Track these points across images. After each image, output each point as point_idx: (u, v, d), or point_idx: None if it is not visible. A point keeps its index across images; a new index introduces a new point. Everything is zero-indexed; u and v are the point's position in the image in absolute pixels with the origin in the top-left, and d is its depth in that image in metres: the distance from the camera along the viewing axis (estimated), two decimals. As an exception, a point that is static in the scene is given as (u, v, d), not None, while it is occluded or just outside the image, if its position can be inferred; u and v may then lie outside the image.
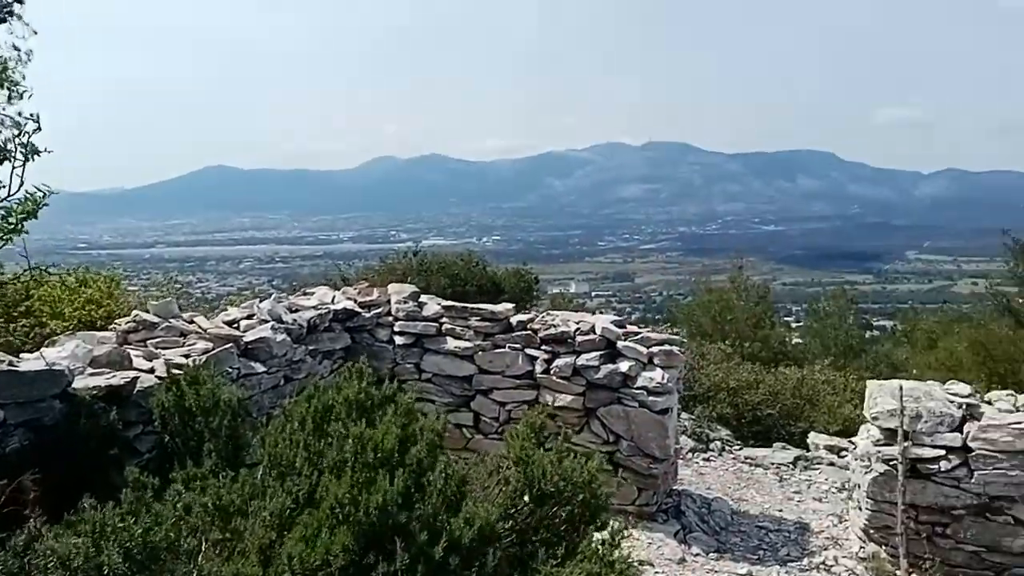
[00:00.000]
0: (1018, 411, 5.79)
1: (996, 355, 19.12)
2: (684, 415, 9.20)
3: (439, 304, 6.94)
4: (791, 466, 8.39)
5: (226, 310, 6.37)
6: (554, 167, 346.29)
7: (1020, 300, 23.60)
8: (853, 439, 8.24)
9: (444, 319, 6.88)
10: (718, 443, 8.75)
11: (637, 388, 6.26)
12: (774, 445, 9.09)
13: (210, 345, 5.24)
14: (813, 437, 9.11)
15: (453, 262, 19.26)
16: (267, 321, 5.89)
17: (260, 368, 5.47)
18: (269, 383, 5.60)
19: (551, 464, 3.57)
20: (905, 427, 5.74)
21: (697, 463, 8.35)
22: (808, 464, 8.47)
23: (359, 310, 6.93)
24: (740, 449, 8.78)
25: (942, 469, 5.63)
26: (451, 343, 6.77)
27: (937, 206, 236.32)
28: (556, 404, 6.46)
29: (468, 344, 6.71)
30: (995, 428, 5.57)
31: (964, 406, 5.87)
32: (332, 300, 7.03)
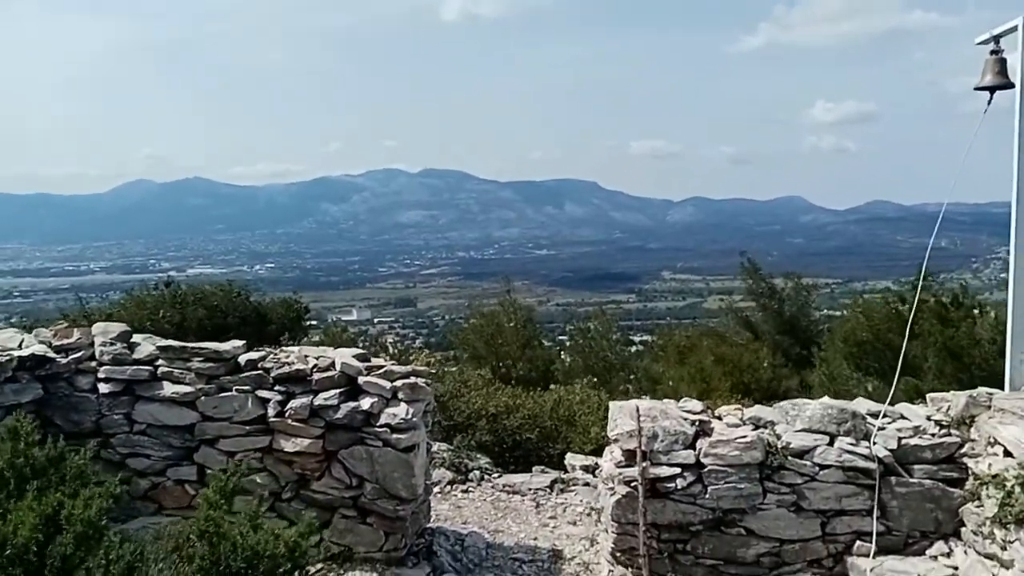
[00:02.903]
0: (744, 424, 6.10)
1: (740, 365, 21.12)
2: (443, 445, 8.94)
3: (154, 345, 6.08)
4: (548, 490, 8.38)
5: None
6: (329, 192, 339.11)
7: (758, 314, 26.40)
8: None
9: (160, 361, 6.03)
10: (477, 472, 8.55)
11: (380, 426, 5.83)
12: (533, 469, 9.07)
13: None
14: (570, 458, 9.20)
15: (212, 293, 17.66)
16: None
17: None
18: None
19: (241, 536, 3.02)
20: (643, 447, 5.82)
21: (455, 495, 8.09)
22: (564, 487, 8.52)
23: (53, 355, 5.89)
24: (499, 477, 8.65)
25: (679, 487, 5.75)
26: (168, 388, 5.94)
27: (686, 230, 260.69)
28: (292, 449, 5.86)
29: (189, 389, 5.92)
30: (723, 443, 5.79)
31: (697, 423, 6.08)
32: (20, 345, 5.92)
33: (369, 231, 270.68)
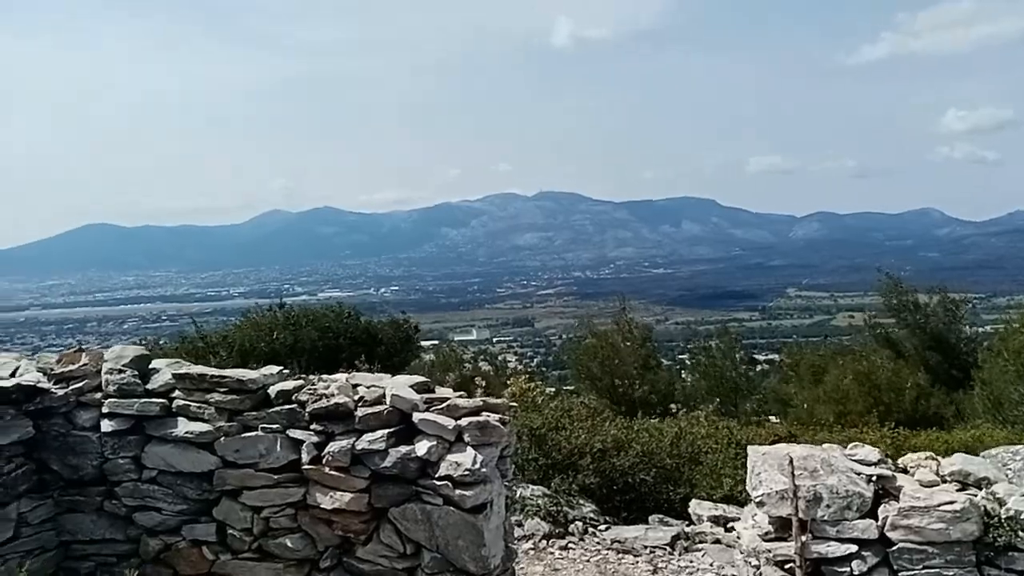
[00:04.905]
0: (946, 481, 4.32)
1: (880, 385, 18.59)
2: (539, 489, 7.44)
3: (172, 372, 4.94)
4: (669, 549, 6.73)
5: None
6: (449, 218, 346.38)
7: (899, 331, 23.48)
8: (736, 522, 6.69)
9: (177, 392, 4.88)
10: (579, 524, 7.00)
11: (440, 478, 4.44)
12: (650, 520, 7.44)
13: None
14: (695, 507, 7.51)
15: (324, 314, 17.10)
16: None
17: None
18: None
19: None
20: (802, 514, 4.15)
21: (552, 554, 6.57)
22: (689, 544, 6.85)
23: (47, 385, 4.83)
24: (607, 529, 7.06)
25: (855, 572, 4.06)
26: (183, 426, 4.77)
27: (811, 246, 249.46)
28: (331, 506, 4.55)
29: (206, 427, 4.73)
30: (919, 511, 4.06)
31: (875, 478, 4.36)
32: (14, 373, 4.91)
33: (487, 254, 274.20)
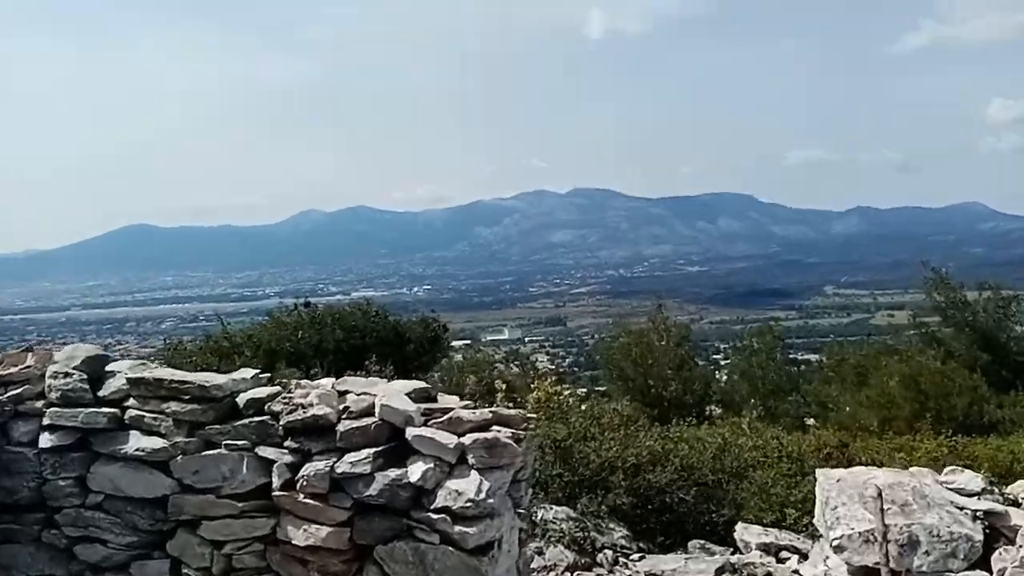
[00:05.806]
0: (1072, 521, 3.39)
1: (927, 390, 17.38)
2: (562, 511, 6.58)
3: (127, 377, 4.18)
4: (713, 583, 5.83)
5: None
6: (483, 216, 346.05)
7: (946, 330, 22.21)
8: (790, 551, 5.78)
9: (132, 401, 4.12)
10: (609, 552, 6.13)
11: (436, 511, 3.61)
12: (690, 546, 6.55)
13: None
14: (741, 532, 6.59)
15: (350, 313, 16.49)
16: None
17: None
18: None
19: None
20: (895, 564, 3.25)
21: (578, 588, 5.72)
22: (737, 576, 5.93)
23: (-24, 392, 4.11)
24: (641, 559, 6.18)
25: (964, 643, 3.15)
26: (135, 442, 4.01)
27: (851, 242, 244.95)
28: (304, 542, 3.75)
29: (162, 443, 3.96)
30: (1050, 562, 3.13)
31: (981, 515, 3.44)
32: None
33: (520, 252, 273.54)
